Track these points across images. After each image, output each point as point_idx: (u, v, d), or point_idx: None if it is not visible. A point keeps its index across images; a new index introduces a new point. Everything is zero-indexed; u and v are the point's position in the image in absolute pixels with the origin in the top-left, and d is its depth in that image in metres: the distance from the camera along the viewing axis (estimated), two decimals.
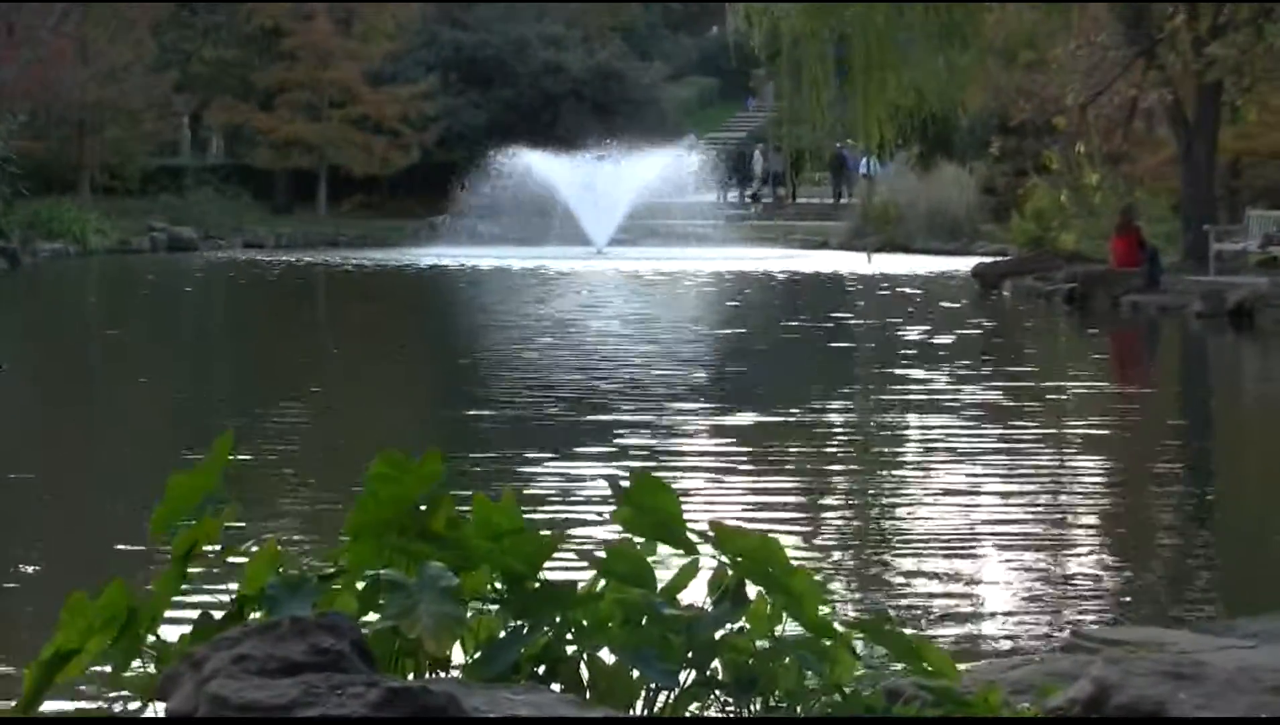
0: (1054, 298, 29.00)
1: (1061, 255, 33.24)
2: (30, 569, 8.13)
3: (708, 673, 3.69)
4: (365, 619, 3.57)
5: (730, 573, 3.78)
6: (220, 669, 3.09)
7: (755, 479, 10.95)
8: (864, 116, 31.11)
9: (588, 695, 3.63)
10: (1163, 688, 3.50)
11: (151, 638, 3.61)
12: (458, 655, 3.65)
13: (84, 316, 28.62)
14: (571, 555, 4.06)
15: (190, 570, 3.70)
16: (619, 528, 3.86)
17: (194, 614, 3.70)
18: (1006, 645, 6.92)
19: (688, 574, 3.88)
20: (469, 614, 3.66)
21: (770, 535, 3.83)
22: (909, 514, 10.07)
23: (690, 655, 3.66)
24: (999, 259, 35.88)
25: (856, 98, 31.05)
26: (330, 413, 14.50)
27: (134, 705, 3.57)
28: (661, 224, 51.22)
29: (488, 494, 3.85)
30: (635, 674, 3.65)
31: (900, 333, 22.59)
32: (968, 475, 11.24)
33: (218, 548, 3.74)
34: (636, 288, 33.43)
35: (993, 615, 7.49)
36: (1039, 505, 10.29)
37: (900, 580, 8.18)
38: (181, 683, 3.14)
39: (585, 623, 3.70)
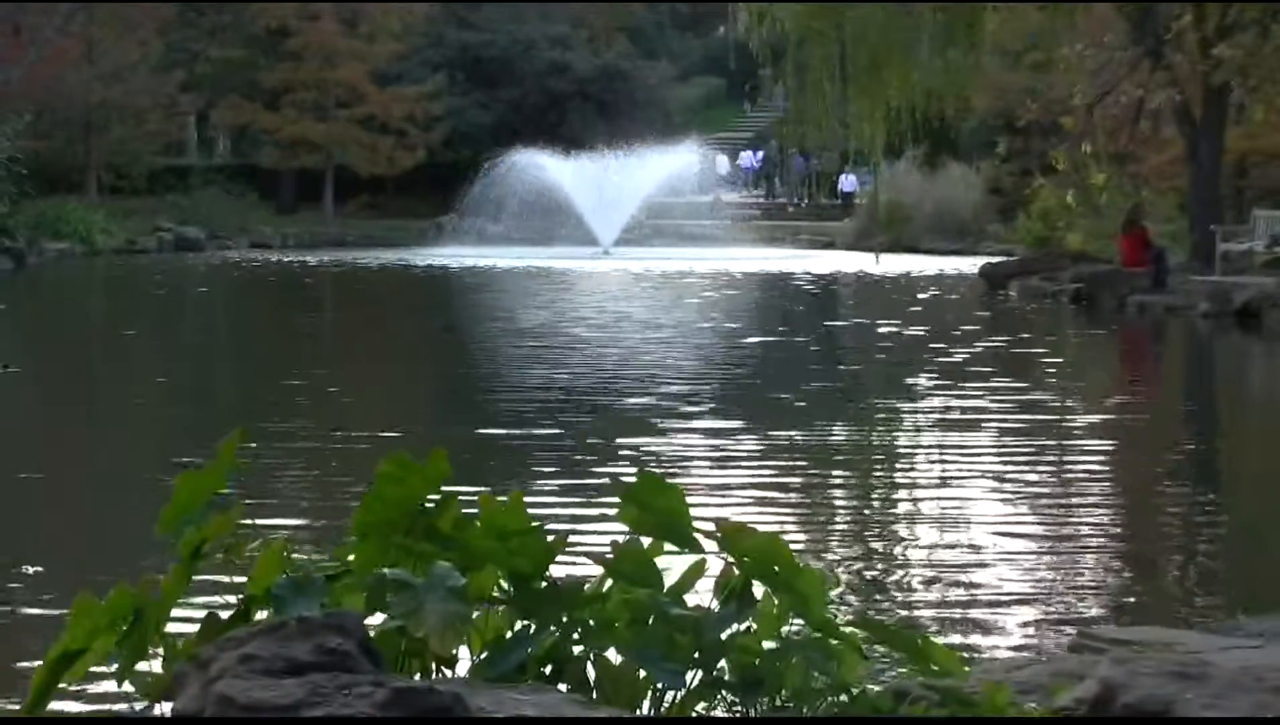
0: (1060, 298, 29.00)
1: (1068, 255, 33.24)
2: (37, 569, 8.14)
3: (714, 673, 3.69)
4: (372, 619, 3.57)
5: (737, 573, 3.78)
6: (227, 669, 3.09)
7: (762, 479, 10.94)
8: (867, 116, 31.13)
9: (594, 695, 3.63)
10: (1169, 688, 3.50)
11: (158, 638, 3.62)
12: (464, 655, 3.65)
13: (90, 317, 28.64)
14: (578, 555, 4.06)
15: (197, 570, 3.71)
16: (625, 527, 3.86)
17: (201, 614, 3.70)
18: (1013, 645, 6.92)
19: (694, 574, 3.88)
20: (475, 614, 3.66)
21: (777, 535, 3.83)
22: (915, 513, 10.07)
23: (697, 655, 3.66)
24: (1005, 259, 35.87)
25: (859, 98, 31.08)
26: (339, 413, 14.50)
27: (141, 705, 3.58)
28: (668, 223, 51.28)
29: (494, 494, 3.85)
30: (642, 674, 3.66)
31: (906, 333, 22.58)
32: (974, 475, 11.23)
33: (225, 548, 3.74)
34: (643, 289, 33.41)
35: (999, 615, 7.49)
36: (1045, 504, 10.29)
37: (907, 580, 8.18)
38: (188, 683, 3.14)
39: (592, 623, 3.70)
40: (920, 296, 30.83)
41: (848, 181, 57.97)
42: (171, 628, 3.65)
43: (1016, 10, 32.80)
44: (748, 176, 63.10)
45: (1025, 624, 7.34)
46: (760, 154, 64.52)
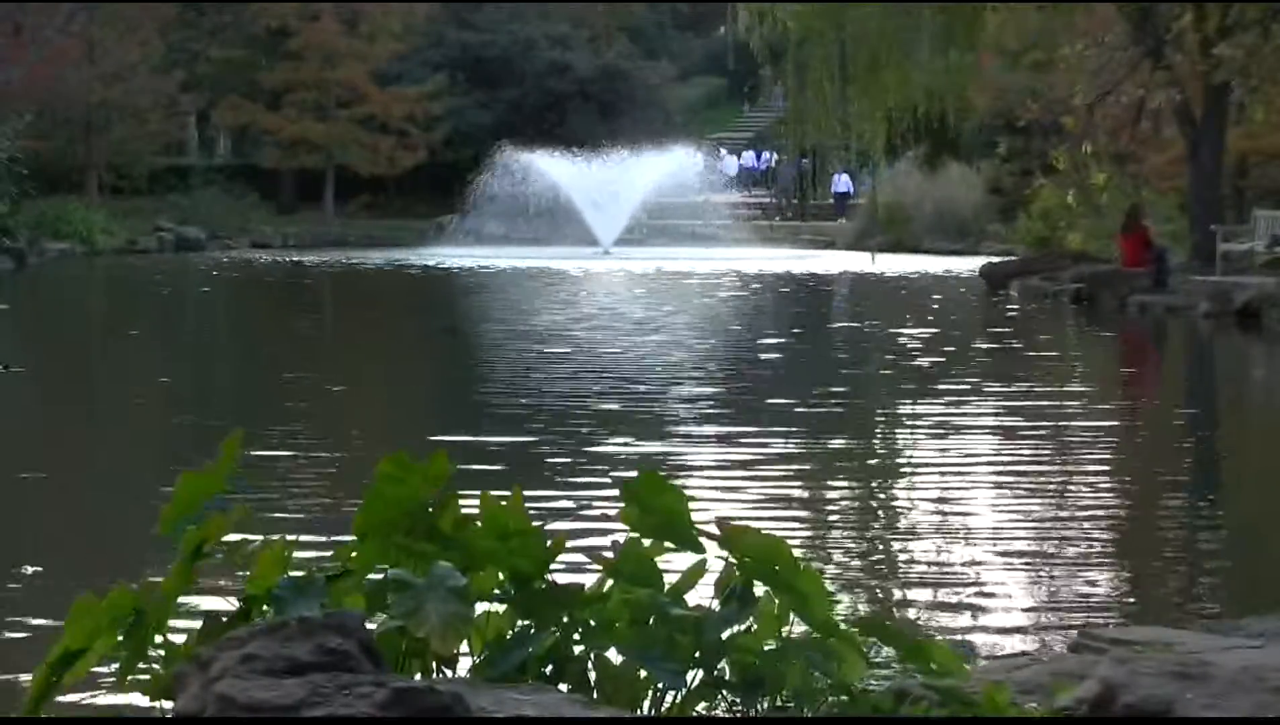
0: (1061, 298, 29.01)
1: (1068, 255, 33.25)
2: (38, 568, 8.14)
3: (715, 673, 3.69)
4: (373, 618, 3.57)
5: (737, 573, 3.78)
6: (228, 669, 3.09)
7: (762, 481, 10.94)
8: (868, 116, 31.17)
9: (595, 695, 3.63)
10: (1170, 688, 3.50)
11: (159, 638, 3.62)
12: (465, 655, 3.65)
13: (91, 317, 28.63)
14: (579, 555, 4.06)
15: (197, 570, 3.71)
16: (626, 527, 3.86)
17: (201, 614, 3.70)
18: (1014, 645, 6.92)
19: (695, 574, 3.88)
20: (476, 614, 3.66)
21: (777, 535, 3.83)
22: (915, 514, 10.06)
23: (697, 655, 3.66)
24: (1006, 259, 35.89)
25: (859, 98, 31.11)
26: (340, 413, 14.50)
27: (141, 705, 3.58)
28: (669, 224, 51.29)
29: (495, 494, 3.85)
30: (642, 674, 3.66)
31: (906, 333, 22.58)
32: (975, 476, 11.23)
33: (225, 548, 3.75)
34: (644, 290, 33.41)
35: (1000, 615, 7.48)
36: (1046, 505, 10.29)
37: (907, 580, 8.18)
38: (189, 683, 3.14)
39: (592, 623, 3.70)
40: (920, 297, 30.82)
41: (842, 182, 57.99)
42: (172, 628, 3.65)
43: (1016, 10, 32.81)
44: (750, 176, 63.19)
45: (1025, 624, 7.34)
46: (765, 155, 64.66)
